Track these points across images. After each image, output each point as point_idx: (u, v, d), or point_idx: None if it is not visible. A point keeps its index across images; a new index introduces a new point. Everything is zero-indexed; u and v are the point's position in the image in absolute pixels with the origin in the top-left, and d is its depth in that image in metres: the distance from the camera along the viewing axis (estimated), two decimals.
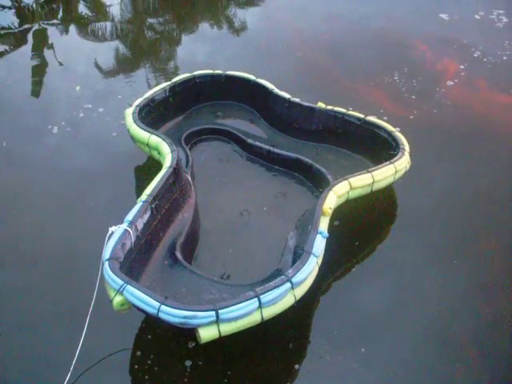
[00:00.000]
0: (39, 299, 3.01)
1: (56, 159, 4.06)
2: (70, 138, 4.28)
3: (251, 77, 4.14)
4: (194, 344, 2.71)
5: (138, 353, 2.72)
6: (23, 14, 6.43)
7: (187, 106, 4.10)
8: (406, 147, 3.44)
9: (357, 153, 3.76)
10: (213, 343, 2.34)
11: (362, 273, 3.16)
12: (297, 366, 2.67)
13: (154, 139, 3.34)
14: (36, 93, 4.95)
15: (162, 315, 2.23)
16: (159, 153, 3.33)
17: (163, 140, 3.30)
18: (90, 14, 6.62)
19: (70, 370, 2.48)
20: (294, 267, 2.47)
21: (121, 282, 2.34)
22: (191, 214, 3.15)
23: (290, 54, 5.52)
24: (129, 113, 3.56)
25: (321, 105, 3.87)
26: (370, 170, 3.19)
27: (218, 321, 2.25)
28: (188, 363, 2.67)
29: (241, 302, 2.28)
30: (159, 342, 2.79)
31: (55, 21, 6.30)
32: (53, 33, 6.11)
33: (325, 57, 5.47)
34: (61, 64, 5.40)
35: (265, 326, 2.44)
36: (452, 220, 3.51)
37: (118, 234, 2.58)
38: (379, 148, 3.61)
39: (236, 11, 6.65)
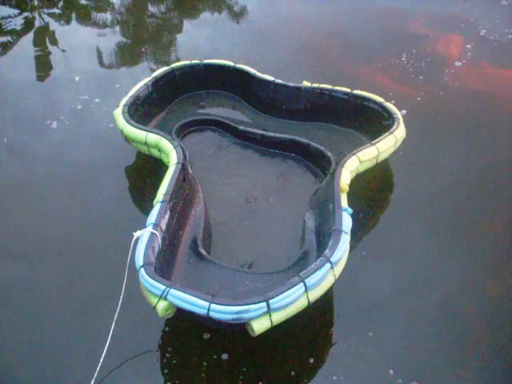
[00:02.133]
0: (47, 293, 2.96)
1: (57, 155, 3.94)
2: (69, 132, 4.15)
3: (230, 63, 4.08)
4: (208, 336, 2.69)
5: (156, 346, 2.69)
6: (23, 3, 6.19)
7: (170, 100, 4.01)
8: (399, 115, 3.50)
9: (347, 127, 3.79)
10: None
11: (366, 257, 3.10)
12: (312, 360, 2.64)
13: (153, 137, 3.25)
14: (35, 84, 4.82)
15: (212, 314, 2.19)
16: (160, 150, 3.24)
17: (163, 137, 3.22)
18: (90, 3, 6.38)
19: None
20: (329, 247, 2.48)
21: (163, 286, 2.28)
22: (203, 209, 3.10)
23: (295, 39, 5.39)
24: (118, 113, 3.44)
25: (306, 83, 3.87)
26: (373, 142, 3.23)
27: (269, 311, 2.23)
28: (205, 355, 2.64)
29: (289, 289, 2.27)
30: (176, 334, 2.76)
31: (56, 10, 6.12)
32: (53, 22, 5.91)
33: (330, 40, 5.36)
34: (63, 51, 5.27)
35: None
36: (458, 201, 3.48)
37: (145, 239, 2.51)
38: (370, 120, 3.65)
39: None
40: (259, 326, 2.24)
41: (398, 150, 3.47)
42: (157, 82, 3.82)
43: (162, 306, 2.28)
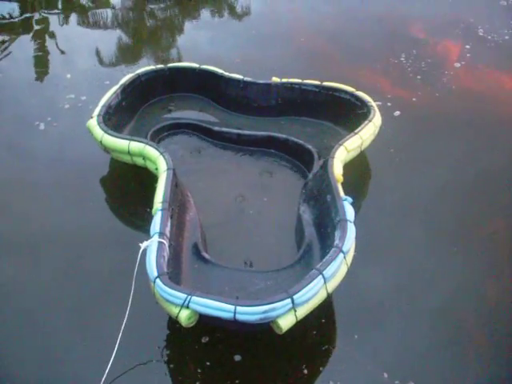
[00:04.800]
0: (46, 291, 2.92)
1: (44, 157, 3.88)
2: (57, 133, 4.08)
3: (195, 65, 4.05)
4: (207, 339, 2.66)
5: (156, 348, 2.65)
6: (24, 3, 6.02)
7: (139, 107, 3.92)
8: (373, 103, 3.59)
9: (320, 119, 3.86)
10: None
11: (360, 259, 2.92)
12: (305, 365, 2.57)
13: (136, 145, 3.17)
14: (28, 84, 4.77)
15: (239, 317, 2.17)
16: (144, 158, 3.17)
17: (146, 144, 3.15)
18: (90, 3, 6.24)
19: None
20: (339, 237, 2.51)
21: (184, 295, 2.24)
22: (195, 213, 3.06)
23: (293, 40, 5.35)
24: (94, 124, 3.33)
25: (275, 79, 3.89)
26: (355, 131, 3.29)
27: (294, 306, 2.24)
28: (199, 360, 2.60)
29: (310, 283, 2.28)
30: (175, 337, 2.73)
31: (56, 10, 5.99)
32: (53, 22, 5.80)
33: (329, 41, 5.34)
34: (62, 52, 5.20)
35: None
36: (454, 203, 3.44)
37: (154, 249, 2.45)
38: (343, 110, 3.72)
39: None
40: (285, 323, 2.24)
41: (389, 149, 3.55)
42: (125, 90, 3.73)
43: (184, 314, 2.24)
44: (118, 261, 3.02)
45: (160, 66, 4.01)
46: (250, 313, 2.17)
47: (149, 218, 3.09)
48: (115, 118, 3.60)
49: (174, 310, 2.26)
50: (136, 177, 3.56)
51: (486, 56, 4.97)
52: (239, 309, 2.17)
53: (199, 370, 2.54)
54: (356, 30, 5.51)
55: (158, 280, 2.31)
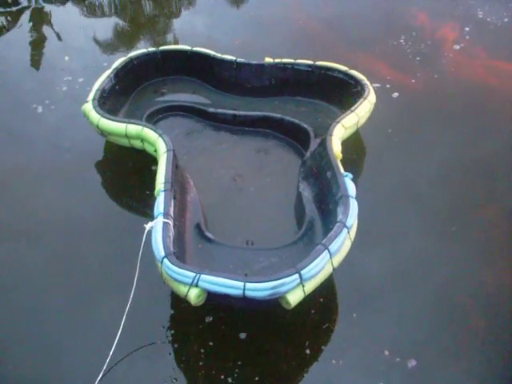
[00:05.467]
0: (46, 279, 2.92)
1: (43, 140, 3.87)
2: (55, 116, 4.07)
3: (187, 47, 4.02)
4: (211, 319, 2.68)
5: (161, 328, 2.67)
6: None
7: (131, 90, 3.89)
8: (367, 81, 3.60)
9: (313, 98, 3.87)
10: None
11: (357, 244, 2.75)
12: (307, 345, 2.59)
13: (133, 128, 3.16)
14: (26, 68, 4.75)
15: (248, 293, 2.19)
16: (142, 140, 3.15)
17: (144, 126, 3.14)
18: None
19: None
20: (342, 213, 2.54)
21: (192, 273, 2.25)
22: (196, 194, 3.07)
23: (293, 23, 5.28)
24: (89, 108, 3.30)
25: (268, 60, 3.89)
26: (352, 109, 3.31)
27: (301, 282, 2.27)
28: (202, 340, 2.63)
29: (316, 258, 2.31)
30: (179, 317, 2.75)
31: None
32: (50, 9, 5.71)
33: (327, 24, 5.26)
34: (59, 36, 5.18)
35: None
36: (451, 187, 3.42)
37: (159, 229, 2.45)
38: (336, 89, 3.73)
39: None
40: (294, 298, 2.27)
41: (387, 129, 3.55)
42: (118, 73, 3.70)
43: (194, 293, 2.25)
44: (118, 244, 3.05)
45: (152, 49, 3.97)
46: (259, 289, 2.19)
47: (147, 200, 3.13)
48: (109, 102, 3.58)
49: (183, 289, 2.27)
50: (132, 160, 3.55)
51: (485, 38, 4.96)
52: (248, 285, 2.19)
53: (202, 350, 2.57)
54: (356, 12, 5.46)
55: (165, 260, 2.32)
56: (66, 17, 5.61)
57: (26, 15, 5.58)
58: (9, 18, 5.53)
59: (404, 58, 4.66)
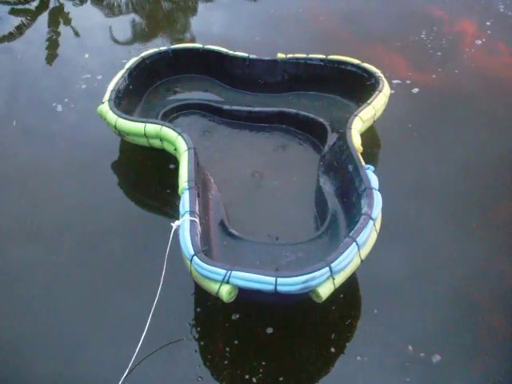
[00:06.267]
0: (70, 277, 2.93)
1: (62, 139, 3.90)
2: (74, 115, 4.10)
3: (198, 45, 4.03)
4: (237, 316, 2.69)
5: (188, 326, 2.68)
6: None
7: (145, 89, 3.90)
8: (380, 74, 3.60)
9: (327, 92, 3.86)
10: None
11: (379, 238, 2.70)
12: (332, 342, 2.61)
13: (152, 127, 3.16)
14: (45, 66, 4.80)
15: (280, 288, 2.20)
16: (161, 139, 3.17)
17: (163, 125, 3.15)
18: None
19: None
20: (367, 205, 2.55)
21: (223, 270, 2.26)
22: (217, 191, 3.09)
23: (312, 19, 5.22)
24: (106, 109, 3.31)
25: (281, 55, 3.89)
26: (368, 102, 3.32)
27: (332, 274, 2.28)
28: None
29: (345, 250, 2.33)
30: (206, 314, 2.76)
31: None
32: (69, 6, 5.74)
33: (347, 20, 5.19)
34: (78, 34, 5.22)
35: None
36: (472, 184, 3.39)
37: (187, 227, 2.46)
38: (350, 82, 3.74)
39: None
40: (325, 291, 2.29)
41: (407, 124, 3.56)
42: (131, 73, 3.71)
43: (225, 290, 2.26)
44: (142, 242, 3.07)
45: (163, 47, 3.97)
46: (290, 283, 2.21)
47: (167, 198, 3.16)
48: (124, 102, 3.58)
49: (214, 287, 2.29)
50: (151, 158, 3.57)
51: (506, 33, 4.89)
52: (280, 280, 2.20)
53: (227, 349, 2.59)
54: (376, 8, 5.40)
55: (195, 258, 2.33)
56: (84, 15, 5.62)
57: (45, 14, 5.61)
58: (28, 16, 5.54)
59: (425, 54, 4.60)
